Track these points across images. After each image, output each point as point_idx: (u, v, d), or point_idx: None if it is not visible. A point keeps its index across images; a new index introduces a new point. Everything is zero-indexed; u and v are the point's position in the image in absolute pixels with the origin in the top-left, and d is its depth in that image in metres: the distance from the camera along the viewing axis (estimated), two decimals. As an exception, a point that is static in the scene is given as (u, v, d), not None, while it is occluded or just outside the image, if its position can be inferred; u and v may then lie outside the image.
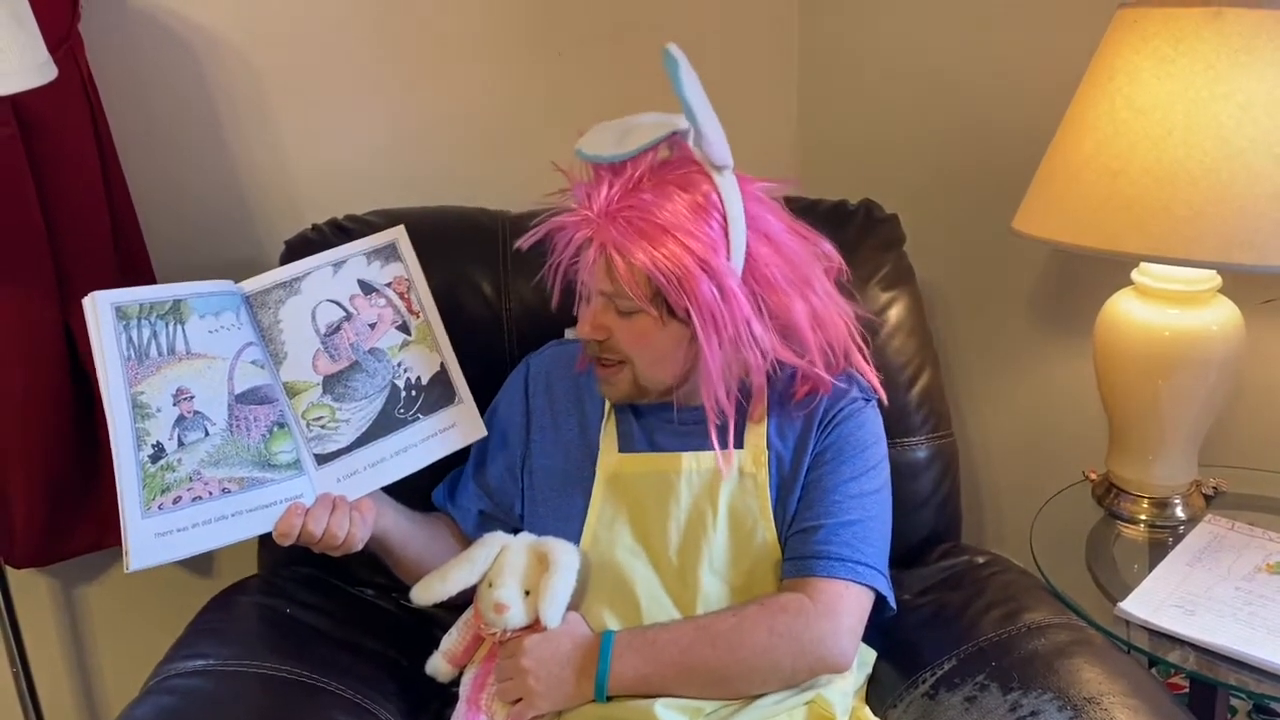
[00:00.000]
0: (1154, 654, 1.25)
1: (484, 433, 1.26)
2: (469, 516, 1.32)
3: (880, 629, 1.30)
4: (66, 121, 1.40)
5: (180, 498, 1.08)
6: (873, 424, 1.25)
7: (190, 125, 1.58)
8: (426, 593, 1.20)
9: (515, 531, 1.27)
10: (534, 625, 1.18)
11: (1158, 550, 1.42)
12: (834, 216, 1.52)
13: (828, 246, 1.21)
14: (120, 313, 1.10)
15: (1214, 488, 1.55)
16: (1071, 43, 1.46)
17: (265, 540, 1.44)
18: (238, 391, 1.15)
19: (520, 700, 1.15)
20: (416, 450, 1.22)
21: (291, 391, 1.18)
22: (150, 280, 1.55)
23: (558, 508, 1.27)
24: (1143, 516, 1.50)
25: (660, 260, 1.08)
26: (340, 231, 1.46)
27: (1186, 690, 1.51)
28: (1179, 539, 1.44)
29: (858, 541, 1.18)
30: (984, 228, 1.65)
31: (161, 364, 1.11)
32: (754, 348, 1.13)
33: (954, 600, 1.34)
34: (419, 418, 1.23)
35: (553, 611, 1.16)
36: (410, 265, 1.27)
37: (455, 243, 1.46)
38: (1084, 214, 1.32)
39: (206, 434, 1.11)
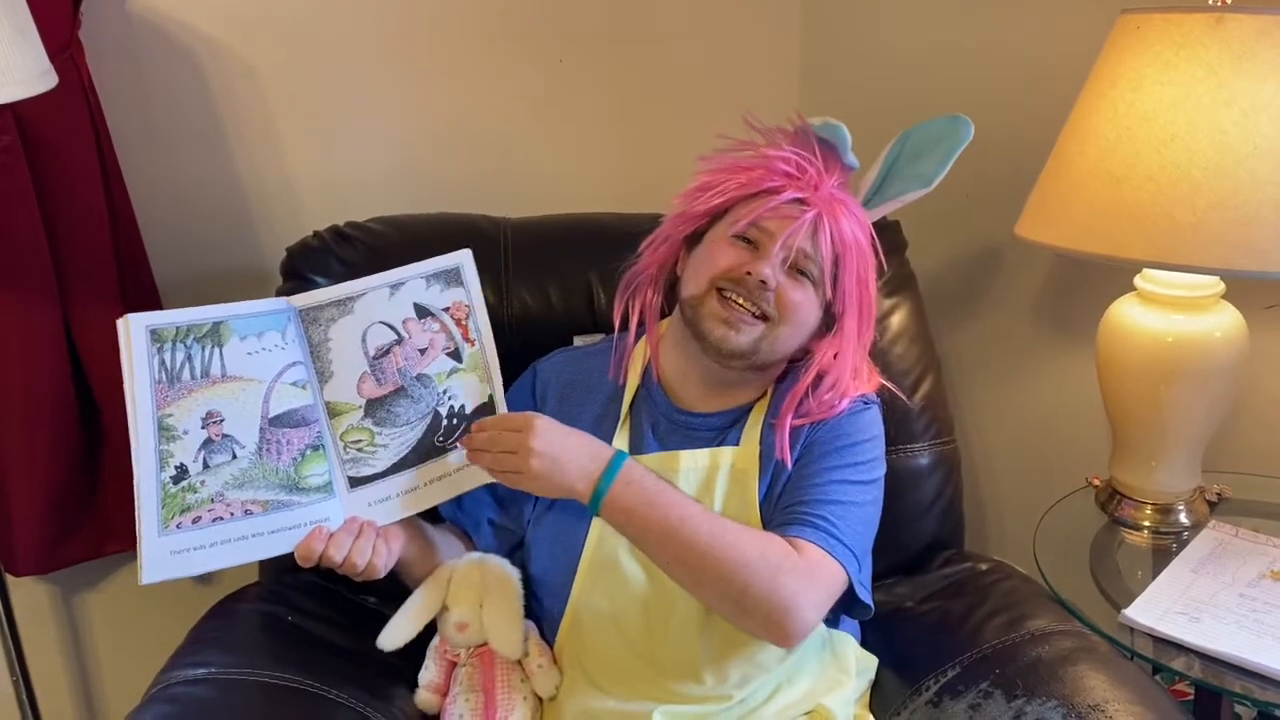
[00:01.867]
0: (1158, 661, 1.25)
1: None
2: (479, 527, 1.32)
3: (882, 635, 1.30)
4: (67, 128, 1.40)
5: (200, 518, 1.08)
6: (870, 424, 1.24)
7: (191, 132, 1.58)
8: (397, 636, 1.21)
9: (522, 540, 1.29)
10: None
11: (1161, 557, 1.42)
12: (836, 222, 1.52)
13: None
14: (155, 335, 1.10)
15: (1218, 494, 1.54)
16: (1074, 48, 1.46)
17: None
18: (272, 414, 1.14)
19: (506, 473, 1.14)
20: (451, 480, 1.20)
21: (333, 412, 1.17)
22: (150, 286, 1.55)
23: (566, 509, 1.26)
24: (1146, 523, 1.49)
25: (863, 257, 1.20)
26: (341, 238, 1.46)
27: (1191, 697, 1.51)
28: (1183, 545, 1.43)
29: (835, 519, 1.16)
30: (986, 234, 1.65)
31: (193, 388, 1.10)
32: (855, 371, 1.24)
33: (957, 607, 1.34)
34: (456, 447, 1.21)
35: (504, 641, 1.20)
36: (473, 292, 1.24)
37: (457, 248, 1.46)
38: (1087, 220, 1.31)
39: (234, 457, 1.11)
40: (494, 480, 1.18)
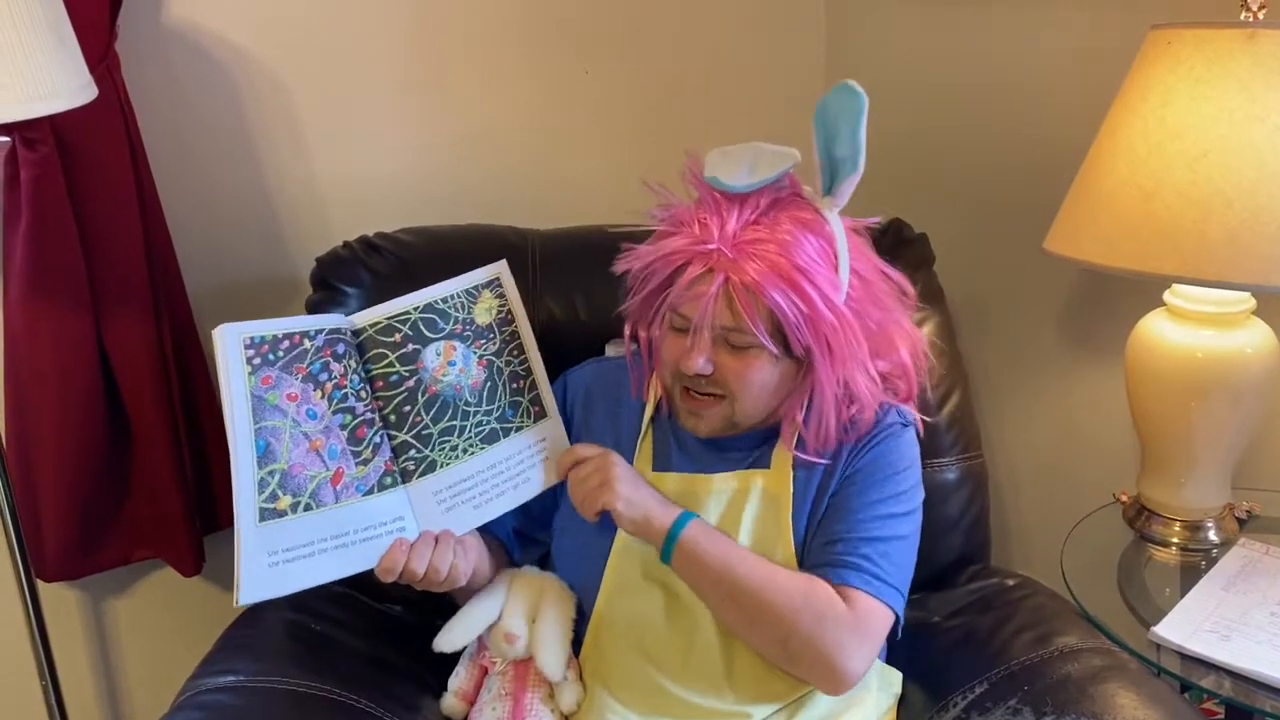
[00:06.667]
0: (1186, 679, 1.24)
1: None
2: (509, 538, 1.32)
3: (909, 651, 1.29)
4: (103, 140, 1.41)
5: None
6: (908, 449, 1.23)
7: (223, 143, 1.60)
8: (456, 640, 1.22)
9: (549, 552, 1.30)
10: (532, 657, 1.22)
11: (1190, 574, 1.41)
12: (863, 236, 1.52)
13: (906, 284, 1.19)
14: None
15: (1247, 511, 1.53)
16: (1104, 63, 1.46)
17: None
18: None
19: (599, 491, 1.16)
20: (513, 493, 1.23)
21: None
22: (181, 295, 1.56)
23: (587, 524, 1.26)
24: (1175, 540, 1.48)
25: (791, 299, 1.08)
26: (371, 249, 1.47)
27: (1221, 716, 1.50)
28: (1212, 563, 1.42)
29: (878, 557, 1.16)
30: (1014, 248, 1.65)
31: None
32: (869, 382, 1.15)
33: (984, 623, 1.33)
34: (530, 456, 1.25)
35: (549, 661, 1.20)
36: (512, 300, 1.28)
37: (485, 260, 1.47)
38: (1117, 235, 1.31)
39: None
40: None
